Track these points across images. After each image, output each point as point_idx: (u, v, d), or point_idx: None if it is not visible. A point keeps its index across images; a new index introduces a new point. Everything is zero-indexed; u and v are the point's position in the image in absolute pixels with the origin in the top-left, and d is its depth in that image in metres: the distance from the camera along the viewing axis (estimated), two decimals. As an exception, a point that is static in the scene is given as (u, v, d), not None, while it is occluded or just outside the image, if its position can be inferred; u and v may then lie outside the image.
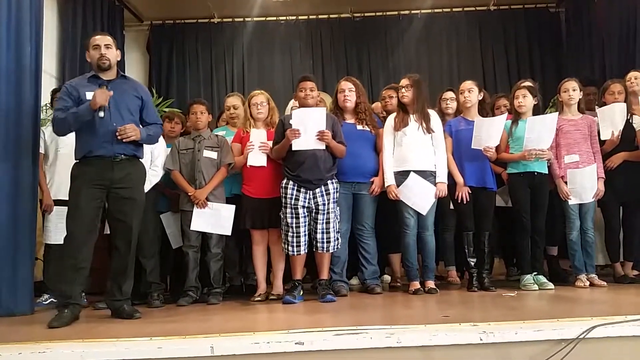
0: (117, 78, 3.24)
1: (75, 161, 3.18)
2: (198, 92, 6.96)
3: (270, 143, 3.75)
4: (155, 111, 3.46)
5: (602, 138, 4.00)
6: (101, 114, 3.04)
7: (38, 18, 3.59)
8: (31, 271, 3.43)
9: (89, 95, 3.08)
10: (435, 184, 3.73)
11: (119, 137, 3.07)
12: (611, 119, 3.99)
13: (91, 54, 3.18)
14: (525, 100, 3.88)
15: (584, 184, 3.82)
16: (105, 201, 3.14)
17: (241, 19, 7.23)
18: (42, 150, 3.83)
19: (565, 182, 3.85)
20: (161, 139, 3.92)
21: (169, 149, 3.95)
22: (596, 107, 4.28)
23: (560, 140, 3.91)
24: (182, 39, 7.24)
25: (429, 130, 3.77)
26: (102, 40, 3.20)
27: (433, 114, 3.86)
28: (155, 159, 3.82)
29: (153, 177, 3.78)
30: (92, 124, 3.08)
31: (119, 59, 3.28)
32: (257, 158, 3.75)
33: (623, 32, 5.38)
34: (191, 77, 7.17)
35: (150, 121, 3.31)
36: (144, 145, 3.33)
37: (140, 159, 3.29)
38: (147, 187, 3.69)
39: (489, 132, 3.78)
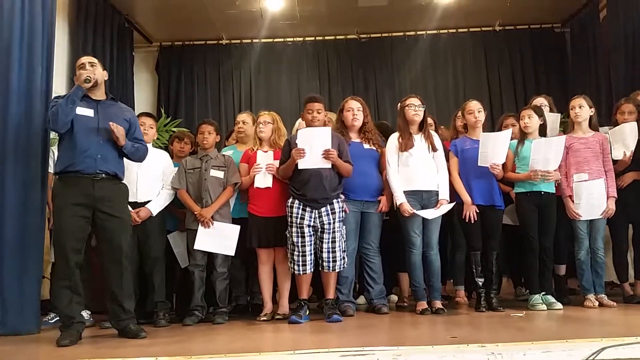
0: (106, 99, 3.30)
1: (55, 177, 3.19)
2: (206, 112, 7.03)
3: (277, 163, 3.77)
4: (140, 132, 3.50)
5: (614, 158, 3.98)
6: (87, 85, 3.10)
7: (49, 40, 3.66)
8: (38, 290, 3.44)
9: (79, 110, 3.12)
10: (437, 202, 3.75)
11: (111, 128, 3.10)
12: (622, 139, 3.98)
13: (78, 74, 3.20)
14: (531, 120, 3.89)
15: (591, 200, 3.78)
16: (92, 222, 3.14)
17: (249, 41, 7.32)
18: (51, 170, 3.86)
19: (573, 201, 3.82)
20: (170, 160, 3.96)
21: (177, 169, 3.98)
22: (608, 127, 4.28)
23: (570, 159, 3.89)
24: (190, 60, 7.33)
25: (434, 148, 3.79)
26: (87, 59, 3.26)
27: (434, 133, 3.90)
28: (168, 180, 3.86)
29: (168, 196, 3.83)
30: (78, 137, 3.11)
31: (106, 79, 3.32)
32: (263, 180, 3.78)
33: (629, 51, 5.40)
34: (199, 97, 7.25)
35: (137, 142, 3.37)
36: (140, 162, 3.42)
37: (121, 181, 3.30)
38: (162, 205, 3.74)
39: (494, 148, 3.79)
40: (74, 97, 3.09)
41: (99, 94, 3.27)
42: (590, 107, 3.96)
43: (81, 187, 3.09)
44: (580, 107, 3.92)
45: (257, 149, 3.90)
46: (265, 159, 3.83)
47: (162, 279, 3.76)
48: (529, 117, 3.89)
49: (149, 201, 3.73)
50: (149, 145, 3.91)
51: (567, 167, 3.91)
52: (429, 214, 3.69)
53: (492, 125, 5.62)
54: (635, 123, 4.01)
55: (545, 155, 3.74)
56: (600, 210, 3.82)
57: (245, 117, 4.26)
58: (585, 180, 3.82)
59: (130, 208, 3.62)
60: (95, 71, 3.20)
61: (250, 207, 3.83)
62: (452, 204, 3.78)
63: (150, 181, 3.79)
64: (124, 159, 3.34)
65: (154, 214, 3.72)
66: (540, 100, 4.32)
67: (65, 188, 3.11)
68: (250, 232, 3.75)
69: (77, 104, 3.11)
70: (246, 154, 3.97)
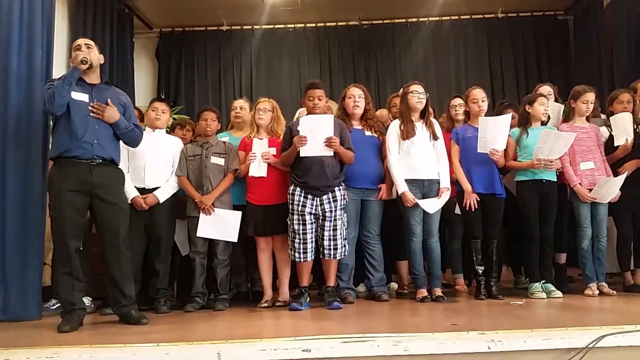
0: (101, 83, 3.26)
1: (51, 162, 3.17)
2: (206, 99, 7.02)
3: (272, 151, 3.77)
4: (135, 117, 3.46)
5: (616, 144, 3.99)
6: (84, 66, 3.07)
7: (49, 25, 3.64)
8: (39, 276, 3.45)
9: (74, 95, 3.09)
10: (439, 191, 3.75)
11: (92, 111, 3.08)
12: (624, 126, 3.98)
13: (74, 55, 3.16)
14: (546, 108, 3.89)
15: (610, 192, 3.79)
16: (90, 208, 3.13)
17: (250, 27, 7.28)
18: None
19: (589, 189, 3.80)
20: (182, 148, 3.93)
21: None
22: (602, 115, 4.27)
23: (575, 148, 3.88)
24: (191, 47, 7.29)
25: (435, 137, 3.77)
26: (83, 40, 3.23)
27: (435, 121, 3.88)
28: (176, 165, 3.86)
29: (177, 184, 3.81)
30: (73, 122, 3.08)
31: (102, 62, 3.28)
32: (258, 169, 3.77)
33: (632, 39, 5.37)
34: (200, 84, 7.23)
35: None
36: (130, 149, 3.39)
37: (117, 166, 3.28)
38: (170, 193, 3.73)
39: (494, 133, 3.76)
40: (71, 78, 3.06)
41: (94, 78, 3.23)
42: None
43: (78, 173, 3.07)
44: (591, 103, 3.90)
45: (253, 137, 3.89)
46: (261, 146, 3.81)
47: (168, 266, 3.77)
48: (544, 105, 3.88)
49: (157, 187, 3.71)
50: (162, 132, 3.90)
51: (572, 156, 3.89)
52: (430, 206, 3.67)
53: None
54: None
55: (551, 146, 3.73)
56: (610, 199, 3.83)
57: (242, 103, 4.26)
58: (595, 174, 3.82)
59: (138, 194, 3.63)
60: (90, 53, 3.16)
61: (247, 195, 3.83)
62: (449, 191, 3.77)
63: (159, 167, 3.76)
64: (121, 143, 3.31)
65: (161, 201, 3.69)
66: (547, 89, 4.28)
67: (62, 174, 3.08)
68: (248, 220, 3.75)
69: (74, 85, 3.08)
70: (243, 142, 3.96)
